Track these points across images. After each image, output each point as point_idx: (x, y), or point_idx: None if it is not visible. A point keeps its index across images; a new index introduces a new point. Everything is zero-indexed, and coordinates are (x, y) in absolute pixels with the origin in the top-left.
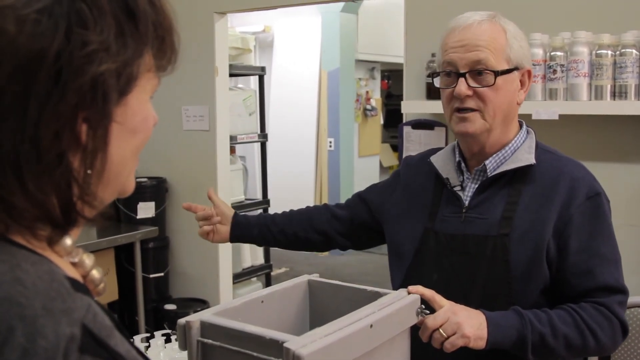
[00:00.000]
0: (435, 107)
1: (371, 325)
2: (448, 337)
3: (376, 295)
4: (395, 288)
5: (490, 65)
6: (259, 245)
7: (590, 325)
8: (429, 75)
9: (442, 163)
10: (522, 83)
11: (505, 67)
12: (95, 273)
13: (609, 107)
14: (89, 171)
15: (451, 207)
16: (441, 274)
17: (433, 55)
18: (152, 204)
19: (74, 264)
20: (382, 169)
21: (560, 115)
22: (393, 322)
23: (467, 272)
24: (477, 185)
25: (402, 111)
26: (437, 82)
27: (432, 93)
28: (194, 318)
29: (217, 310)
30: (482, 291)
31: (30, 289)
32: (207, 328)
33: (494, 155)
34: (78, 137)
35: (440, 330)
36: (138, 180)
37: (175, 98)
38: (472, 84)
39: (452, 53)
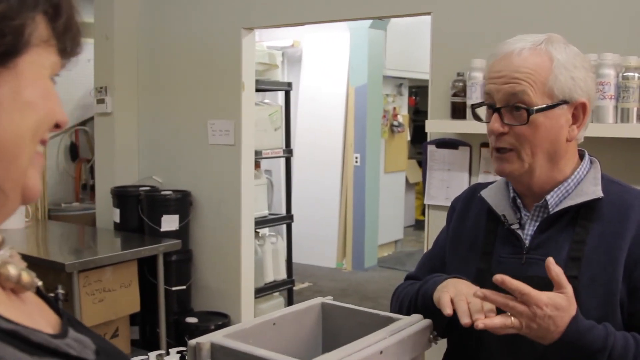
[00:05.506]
0: (460, 127)
1: (381, 352)
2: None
3: (389, 321)
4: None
5: (526, 100)
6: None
7: None
8: (454, 95)
9: (495, 198)
10: (574, 117)
11: (547, 101)
12: (11, 269)
13: (635, 129)
14: None
15: (509, 247)
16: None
17: (458, 74)
18: (176, 217)
19: None
20: (408, 185)
21: (585, 138)
22: (404, 349)
23: None
24: (537, 223)
25: (427, 130)
26: (480, 112)
27: (457, 112)
28: (205, 340)
29: (228, 332)
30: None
31: None
32: (218, 350)
33: (556, 189)
34: None
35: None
36: (163, 193)
37: (201, 112)
38: (507, 120)
39: (490, 84)
